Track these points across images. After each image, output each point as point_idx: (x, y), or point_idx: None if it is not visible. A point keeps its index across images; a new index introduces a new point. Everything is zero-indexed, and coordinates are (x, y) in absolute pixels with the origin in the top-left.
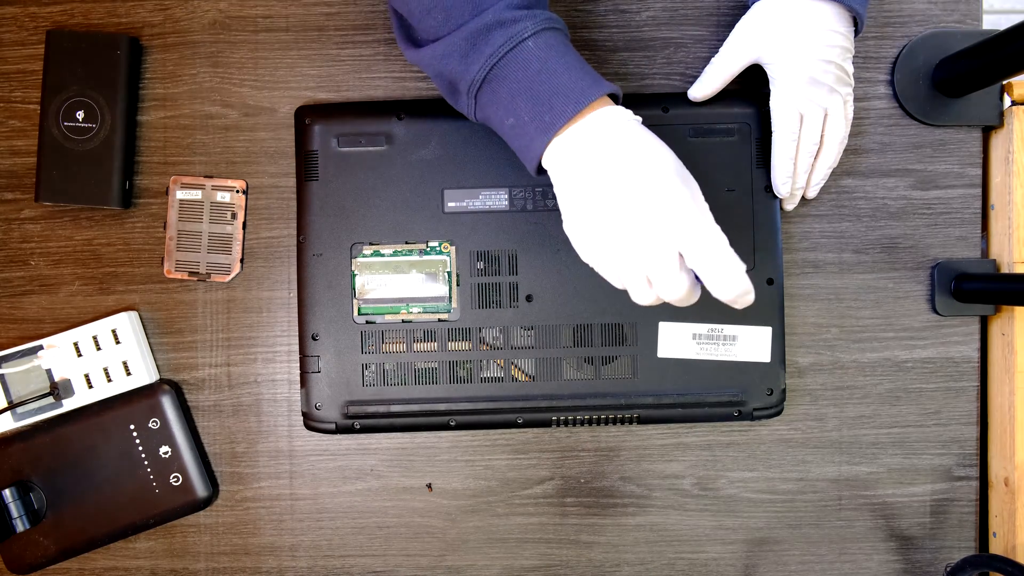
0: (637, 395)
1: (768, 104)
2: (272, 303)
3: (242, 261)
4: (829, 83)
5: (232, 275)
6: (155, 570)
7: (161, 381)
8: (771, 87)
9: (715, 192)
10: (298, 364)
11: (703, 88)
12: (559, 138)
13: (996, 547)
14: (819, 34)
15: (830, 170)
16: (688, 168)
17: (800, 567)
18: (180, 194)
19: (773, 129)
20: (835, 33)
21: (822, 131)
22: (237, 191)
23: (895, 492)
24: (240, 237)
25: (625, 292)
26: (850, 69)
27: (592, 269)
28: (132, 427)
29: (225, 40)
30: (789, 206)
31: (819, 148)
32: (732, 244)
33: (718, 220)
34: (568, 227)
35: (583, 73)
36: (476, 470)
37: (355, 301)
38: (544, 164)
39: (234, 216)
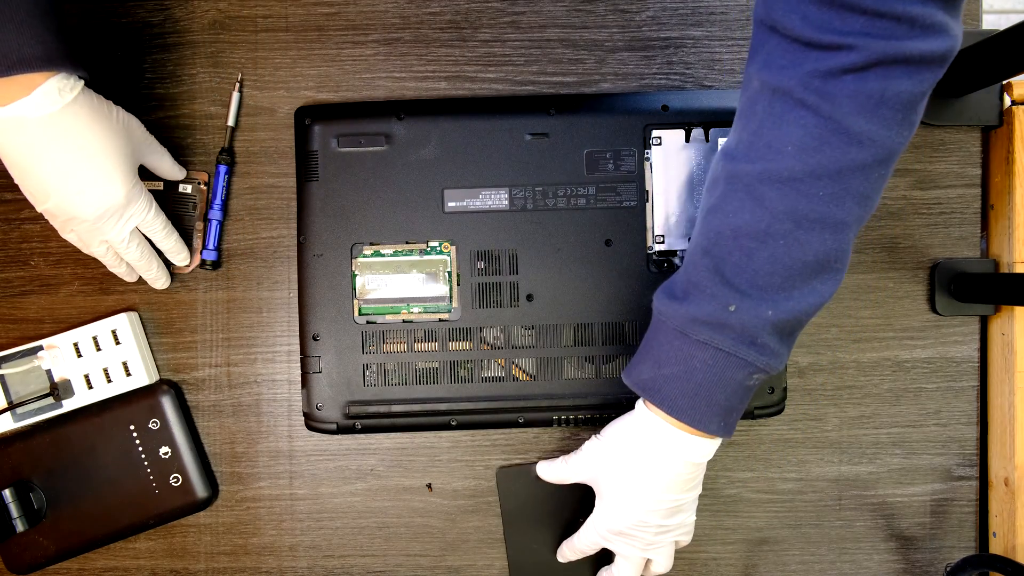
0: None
1: None
2: (272, 303)
3: (202, 253)
4: (651, 540)
5: (193, 266)
6: (155, 570)
7: (161, 381)
8: (595, 507)
9: None
10: (298, 364)
11: (548, 474)
12: None
13: (996, 547)
14: (653, 487)
15: None
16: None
17: (800, 567)
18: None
19: (576, 538)
20: (672, 490)
21: (643, 566)
22: (199, 183)
23: (895, 492)
24: (201, 228)
25: (626, 290)
26: (683, 522)
27: (593, 268)
28: (132, 427)
29: (225, 40)
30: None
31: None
32: None
33: None
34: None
35: (40, 41)
36: (476, 470)
37: (356, 301)
38: None
39: (195, 207)
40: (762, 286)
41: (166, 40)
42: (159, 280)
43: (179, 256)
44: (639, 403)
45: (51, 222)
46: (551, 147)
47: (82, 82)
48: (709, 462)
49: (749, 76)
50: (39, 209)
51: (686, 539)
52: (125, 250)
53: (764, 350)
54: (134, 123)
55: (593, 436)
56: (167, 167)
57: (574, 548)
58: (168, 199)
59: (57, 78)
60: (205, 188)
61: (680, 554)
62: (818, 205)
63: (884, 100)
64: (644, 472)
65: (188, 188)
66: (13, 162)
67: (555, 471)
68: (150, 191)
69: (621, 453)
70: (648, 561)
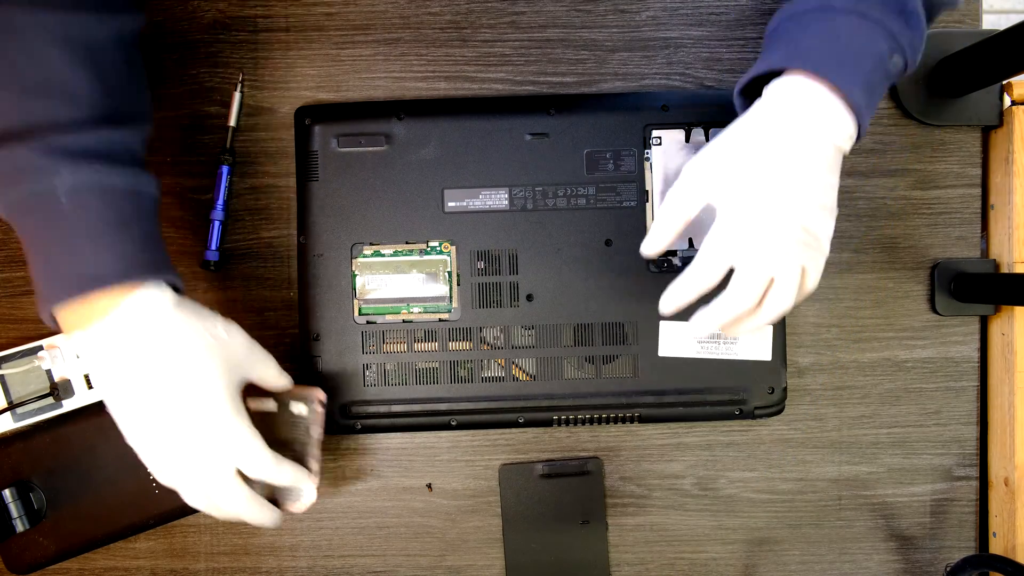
0: (638, 394)
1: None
2: (272, 303)
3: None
4: (788, 246)
5: (308, 503)
6: (155, 570)
7: None
8: (713, 224)
9: None
10: (298, 364)
11: (653, 245)
12: (73, 312)
13: (996, 547)
14: (795, 180)
15: (748, 333)
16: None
17: (800, 567)
18: (250, 403)
19: (691, 265)
20: (817, 176)
21: (761, 297)
22: (315, 404)
23: (895, 492)
24: (318, 455)
25: (626, 290)
26: (824, 230)
27: (593, 268)
28: None
29: (225, 40)
30: (663, 311)
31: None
32: None
33: None
34: (111, 410)
35: (112, 252)
36: (476, 470)
37: (356, 301)
38: (63, 328)
39: (307, 430)
40: None
41: (166, 40)
42: (266, 521)
43: (299, 489)
44: (766, 89)
45: (142, 459)
46: (551, 147)
47: (172, 294)
48: (710, 463)
49: None
50: (128, 441)
51: (815, 269)
52: (223, 497)
53: (911, 20)
54: (236, 333)
55: (692, 157)
56: (272, 376)
57: (689, 284)
58: (278, 422)
59: (142, 292)
60: (322, 409)
61: (680, 554)
62: None
63: None
64: (778, 157)
65: (303, 409)
66: (100, 385)
67: (663, 221)
68: (260, 412)
69: (748, 143)
70: (770, 285)
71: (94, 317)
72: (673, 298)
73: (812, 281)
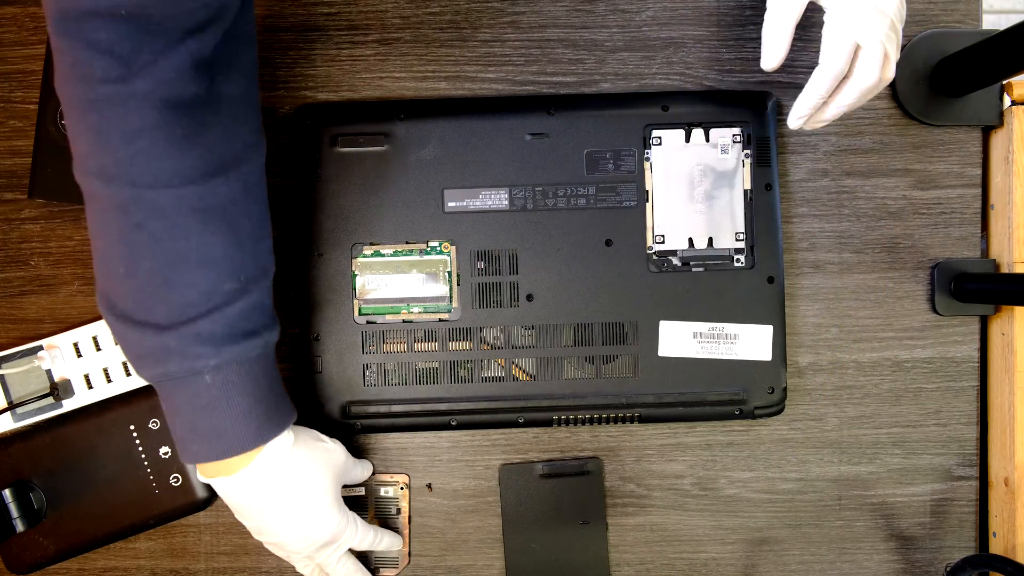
0: (638, 394)
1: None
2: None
3: (410, 555)
4: (892, 16)
5: (400, 568)
6: (155, 570)
7: None
8: (826, 18)
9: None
10: (298, 364)
11: (772, 55)
12: (210, 465)
13: (996, 547)
14: None
15: (858, 105)
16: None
17: (800, 567)
18: (344, 492)
19: (820, 62)
20: None
21: (882, 69)
22: (401, 487)
23: (895, 492)
24: (407, 534)
25: (626, 290)
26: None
27: (593, 268)
28: (132, 427)
29: None
30: (794, 125)
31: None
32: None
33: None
34: (245, 524)
35: (250, 418)
36: (476, 470)
37: (356, 301)
38: (200, 472)
39: (399, 510)
40: None
41: None
42: None
43: (393, 552)
44: None
45: (270, 548)
46: (551, 147)
47: (291, 435)
48: (710, 463)
49: None
50: (256, 538)
51: (900, 39)
52: (334, 570)
53: None
54: (338, 448)
55: None
56: (360, 475)
57: (823, 78)
58: (369, 503)
59: (270, 445)
60: (406, 489)
61: (680, 554)
62: None
63: None
64: None
65: (390, 491)
66: (231, 507)
67: (775, 27)
68: (353, 497)
69: None
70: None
71: (230, 470)
72: (807, 100)
73: (899, 51)
